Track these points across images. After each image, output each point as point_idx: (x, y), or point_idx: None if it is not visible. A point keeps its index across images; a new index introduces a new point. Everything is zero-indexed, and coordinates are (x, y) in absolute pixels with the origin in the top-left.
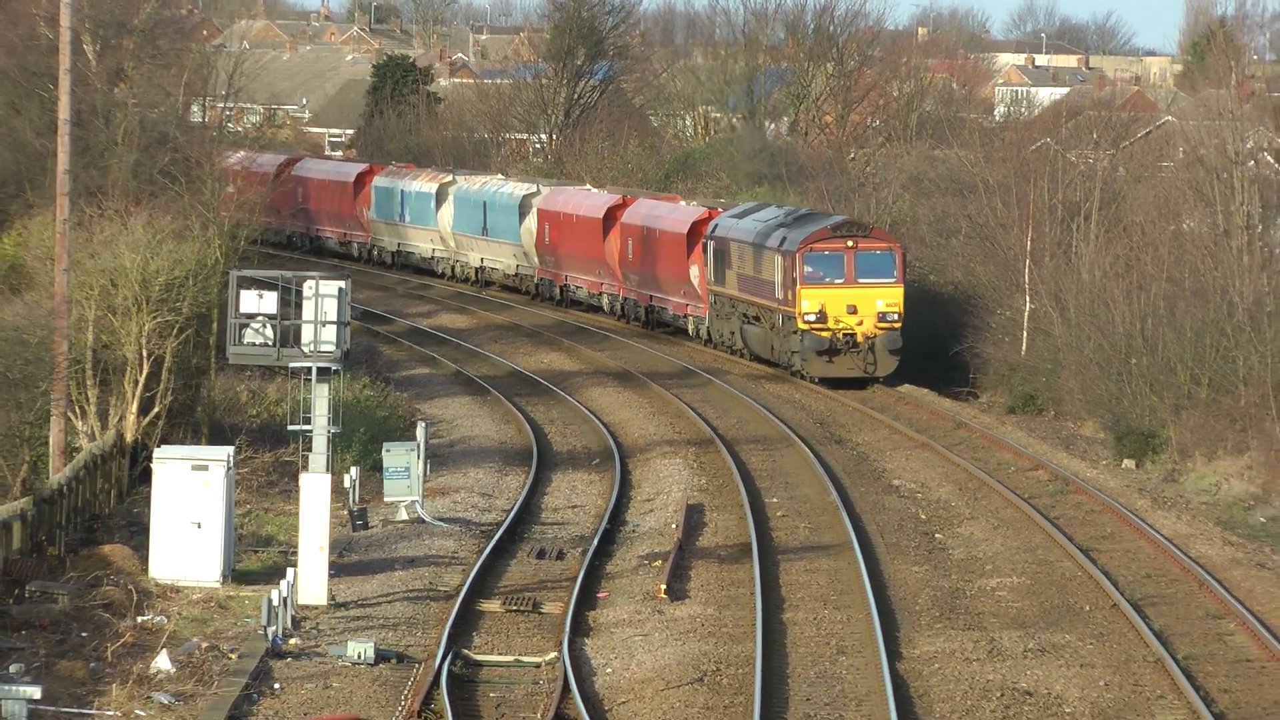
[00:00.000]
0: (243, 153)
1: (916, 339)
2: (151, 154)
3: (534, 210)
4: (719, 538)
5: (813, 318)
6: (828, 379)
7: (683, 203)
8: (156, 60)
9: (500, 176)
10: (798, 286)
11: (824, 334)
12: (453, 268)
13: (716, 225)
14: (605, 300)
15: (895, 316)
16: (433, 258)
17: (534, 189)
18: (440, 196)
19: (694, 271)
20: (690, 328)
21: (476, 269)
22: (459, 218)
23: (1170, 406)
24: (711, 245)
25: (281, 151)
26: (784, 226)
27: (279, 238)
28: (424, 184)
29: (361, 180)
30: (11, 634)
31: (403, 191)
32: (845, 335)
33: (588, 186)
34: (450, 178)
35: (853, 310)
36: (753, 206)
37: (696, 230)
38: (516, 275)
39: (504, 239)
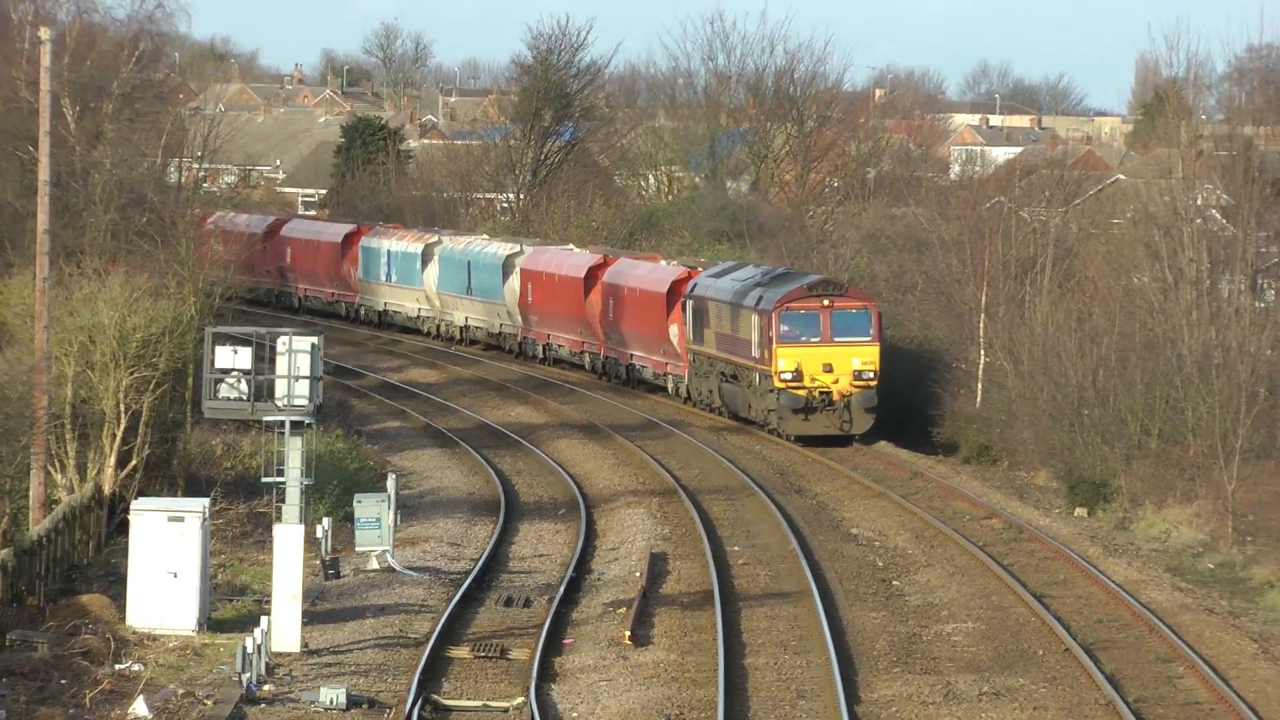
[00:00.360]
0: (233, 213)
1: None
2: (129, 214)
3: (517, 270)
4: (682, 585)
5: (789, 376)
6: (804, 437)
7: (663, 262)
8: (134, 123)
9: (485, 237)
10: (774, 345)
11: (800, 392)
12: (438, 327)
13: (695, 284)
14: (587, 359)
15: (871, 375)
16: (418, 317)
17: (517, 249)
18: (426, 256)
19: (673, 330)
20: (670, 386)
21: (461, 328)
22: (444, 277)
23: (1121, 456)
24: (690, 304)
25: (270, 212)
26: (760, 285)
27: (268, 297)
28: (410, 244)
29: (350, 240)
30: None
31: (389, 251)
32: (821, 393)
33: (570, 247)
34: (436, 238)
35: (829, 369)
36: (731, 266)
37: (676, 289)
38: (500, 334)
39: (488, 298)
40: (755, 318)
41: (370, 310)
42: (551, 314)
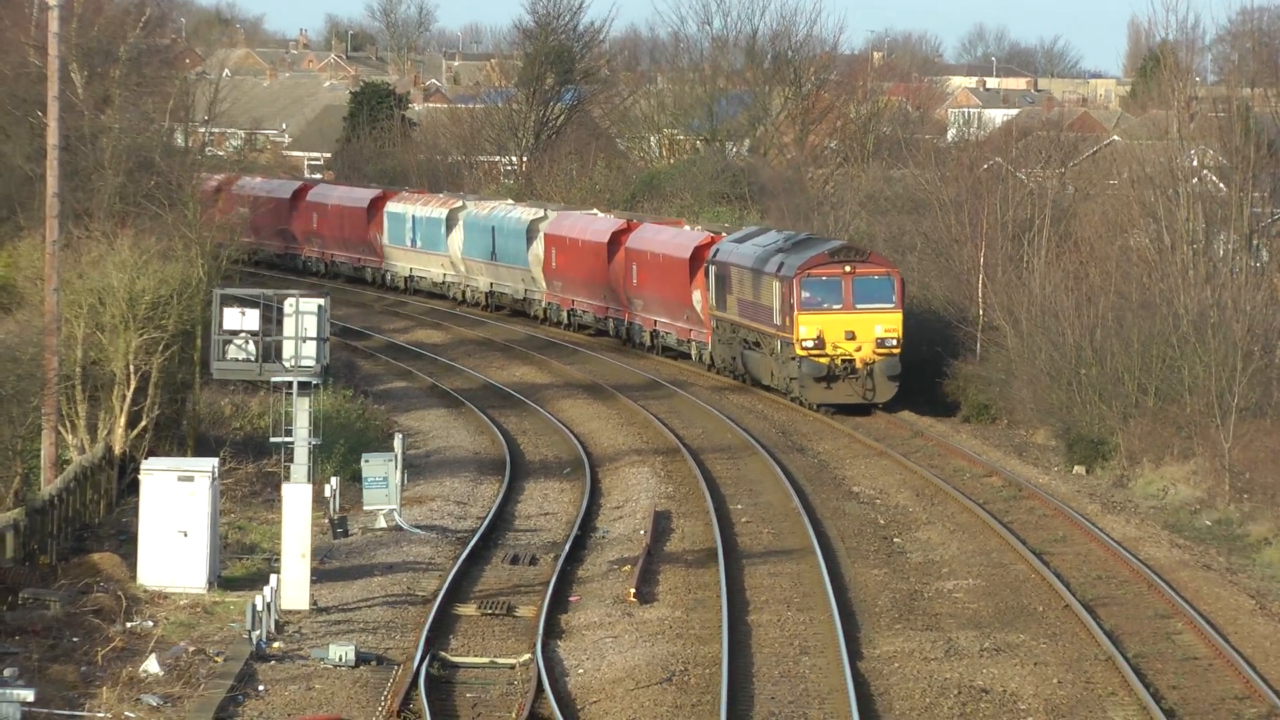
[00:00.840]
0: (258, 179)
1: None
2: (136, 178)
3: (541, 235)
4: (686, 543)
5: (810, 344)
6: (827, 405)
7: (686, 227)
8: (141, 87)
9: (509, 202)
10: (795, 312)
11: (822, 360)
12: (463, 293)
13: (718, 250)
14: (611, 325)
15: (894, 342)
16: (444, 283)
17: (541, 214)
18: (450, 222)
19: (696, 297)
20: (694, 353)
21: (486, 294)
22: (469, 243)
23: (1119, 415)
24: (713, 270)
25: (294, 177)
26: (782, 251)
27: (294, 263)
28: (435, 209)
29: (375, 206)
30: (5, 639)
31: (414, 217)
32: (844, 361)
33: (595, 211)
34: (460, 203)
35: (851, 336)
36: (754, 231)
37: (699, 255)
38: (525, 300)
39: (513, 264)
40: (777, 284)
41: (396, 276)
42: (575, 280)
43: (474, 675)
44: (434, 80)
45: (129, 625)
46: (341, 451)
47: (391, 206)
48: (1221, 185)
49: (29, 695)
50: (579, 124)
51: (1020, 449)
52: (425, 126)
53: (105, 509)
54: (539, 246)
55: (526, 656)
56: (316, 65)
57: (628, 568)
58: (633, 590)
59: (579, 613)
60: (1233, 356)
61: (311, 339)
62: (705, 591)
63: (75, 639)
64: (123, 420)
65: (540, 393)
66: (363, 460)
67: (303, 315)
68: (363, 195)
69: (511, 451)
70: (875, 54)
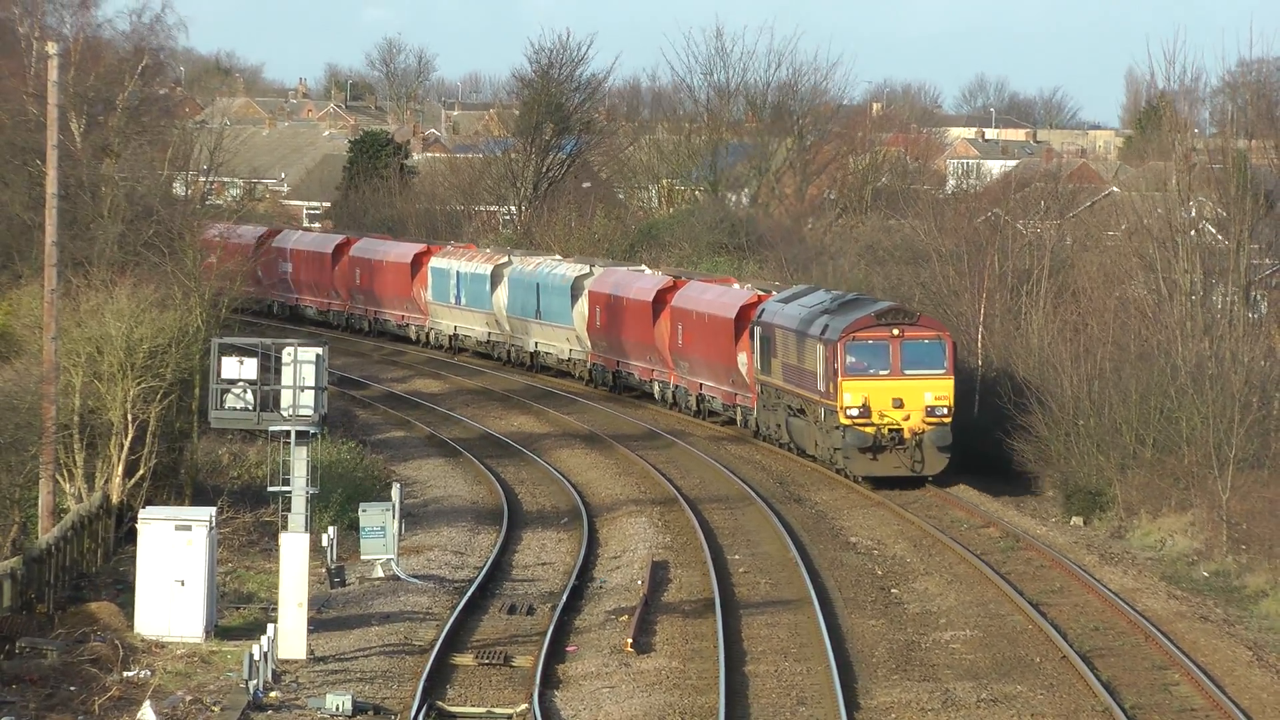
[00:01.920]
0: (300, 231)
1: None
2: (136, 226)
3: (586, 292)
4: (683, 593)
5: (855, 412)
6: (872, 478)
7: (736, 286)
8: (141, 136)
9: (557, 257)
10: (839, 378)
11: (868, 430)
12: (509, 352)
13: (764, 310)
14: (656, 388)
15: (945, 410)
16: (489, 341)
17: (586, 270)
18: (495, 278)
19: (742, 359)
20: (739, 418)
21: (531, 354)
22: (513, 300)
23: (1116, 466)
24: (758, 332)
25: (338, 231)
26: (828, 313)
27: (336, 319)
28: (479, 265)
29: (419, 261)
30: (3, 688)
31: (458, 273)
32: (891, 431)
33: (642, 268)
34: (505, 258)
35: (899, 404)
36: (802, 290)
37: (745, 315)
38: (570, 360)
39: (557, 322)
40: (820, 348)
41: (440, 334)
42: (620, 340)
43: None
44: (433, 130)
45: (126, 674)
46: (339, 501)
47: (436, 262)
48: (1219, 237)
49: None
50: (578, 174)
51: (1018, 500)
52: (424, 176)
53: (102, 558)
54: (584, 304)
55: (524, 707)
56: (316, 114)
57: (625, 618)
58: (630, 640)
59: (576, 663)
60: (1230, 408)
61: (309, 388)
62: (702, 642)
63: (72, 688)
64: (120, 469)
65: (538, 442)
66: (360, 509)
67: (301, 364)
68: (406, 250)
69: (509, 501)
70: (874, 105)
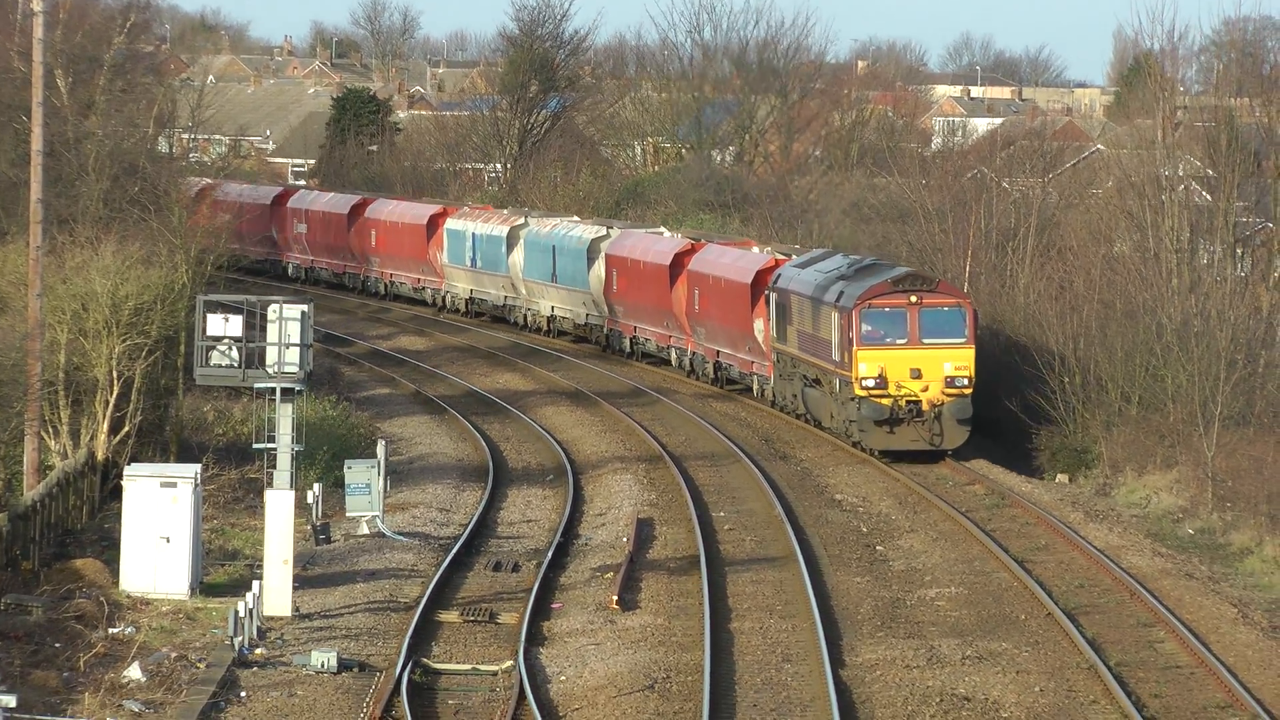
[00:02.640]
0: (315, 191)
1: None
2: (121, 183)
3: (602, 255)
4: (668, 550)
5: (871, 383)
6: (889, 451)
7: (755, 249)
8: (126, 94)
9: (574, 218)
10: (854, 348)
11: (884, 401)
12: (525, 316)
13: (779, 276)
14: (674, 355)
15: (965, 381)
16: (505, 305)
17: (603, 232)
18: (511, 240)
19: (758, 326)
20: (755, 388)
21: (548, 318)
22: (529, 263)
23: (1102, 423)
24: (774, 298)
25: (353, 191)
26: (844, 279)
27: (352, 282)
28: (495, 227)
29: (435, 223)
30: None
31: (474, 235)
32: (908, 403)
33: (661, 230)
34: (522, 220)
35: (917, 374)
36: (819, 255)
37: (761, 280)
38: (586, 325)
39: (573, 286)
40: (835, 315)
41: (456, 298)
42: (637, 305)
43: (456, 682)
44: (418, 87)
45: (111, 631)
46: (324, 458)
47: (451, 223)
48: (1206, 194)
49: (11, 701)
50: (564, 131)
51: (1006, 458)
52: (410, 133)
53: (88, 515)
54: (600, 267)
55: (509, 663)
56: (301, 72)
57: (610, 575)
58: (615, 597)
59: (561, 620)
60: (1216, 365)
61: (295, 345)
62: (688, 599)
63: (57, 645)
64: (105, 426)
65: (523, 400)
66: (346, 467)
67: (286, 321)
68: (421, 211)
69: (494, 458)
70: (860, 62)
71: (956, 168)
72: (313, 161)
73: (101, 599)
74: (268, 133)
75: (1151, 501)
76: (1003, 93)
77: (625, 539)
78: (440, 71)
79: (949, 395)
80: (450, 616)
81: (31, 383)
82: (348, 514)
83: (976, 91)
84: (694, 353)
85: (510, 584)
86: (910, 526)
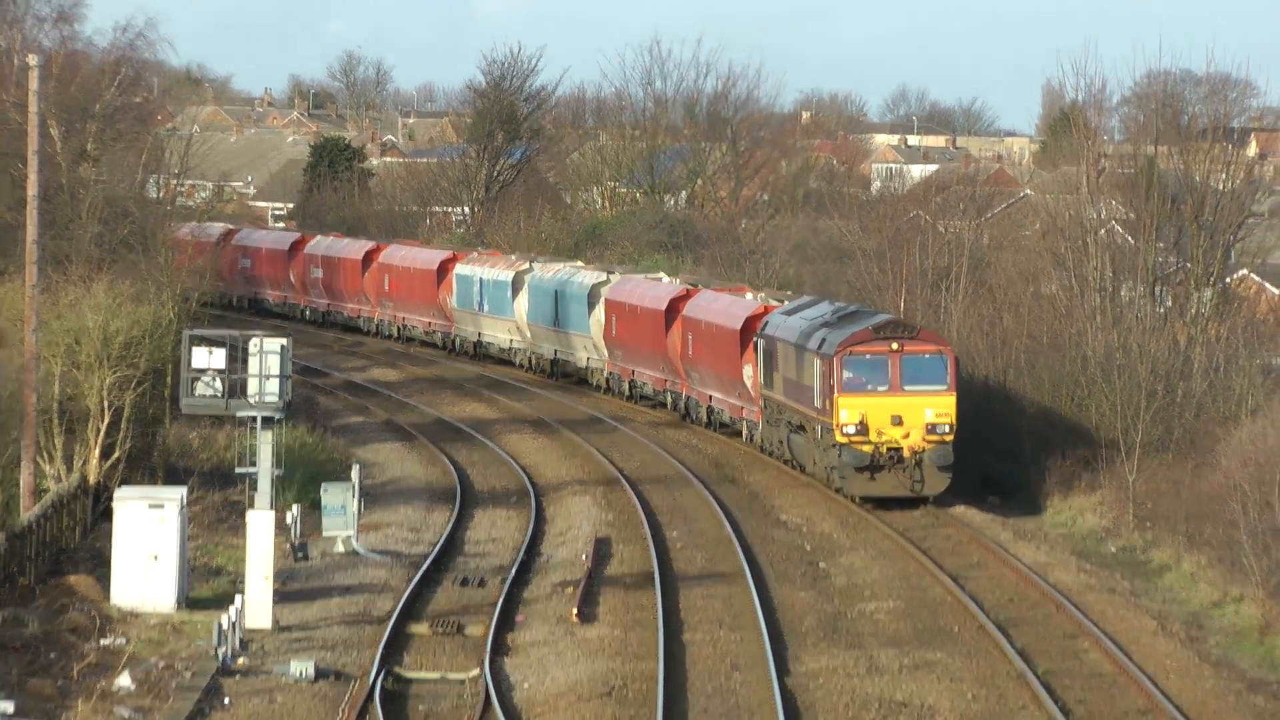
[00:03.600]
0: (331, 238)
1: None
2: (112, 226)
3: (602, 300)
4: (625, 567)
5: (852, 430)
6: (870, 498)
7: (749, 295)
8: (116, 142)
9: (578, 263)
10: (835, 394)
11: (865, 448)
12: (530, 359)
13: (767, 323)
14: (669, 399)
15: (946, 429)
16: (510, 349)
17: (603, 277)
18: (516, 285)
19: (747, 372)
20: (744, 433)
21: (551, 361)
22: (533, 308)
23: (1030, 450)
24: (761, 344)
25: (366, 236)
26: (826, 326)
27: (367, 325)
28: (501, 271)
29: (445, 268)
30: None
31: (481, 280)
32: (889, 450)
33: (661, 275)
34: (527, 265)
35: (898, 421)
36: (806, 302)
37: (750, 326)
38: (588, 369)
39: (575, 330)
40: (818, 362)
41: (465, 341)
42: (635, 349)
43: (426, 690)
44: (390, 136)
45: (103, 643)
46: (302, 481)
47: (460, 269)
48: (1128, 236)
49: (9, 707)
50: (527, 178)
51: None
52: (382, 179)
53: (80, 534)
54: (600, 312)
55: (475, 672)
56: (280, 122)
57: (570, 590)
58: (575, 611)
59: (525, 631)
60: (1137, 396)
61: (274, 376)
62: (643, 612)
63: (53, 655)
64: (97, 452)
65: (489, 428)
66: (322, 489)
67: (266, 354)
68: (433, 256)
69: (462, 482)
70: (804, 113)
71: (894, 211)
72: (291, 205)
73: (94, 613)
74: (249, 178)
75: (1077, 522)
76: (938, 141)
77: (584, 556)
78: (410, 121)
79: (930, 442)
80: (420, 629)
81: (28, 411)
82: (324, 533)
83: (913, 140)
84: (689, 397)
85: (476, 598)
86: (851, 545)
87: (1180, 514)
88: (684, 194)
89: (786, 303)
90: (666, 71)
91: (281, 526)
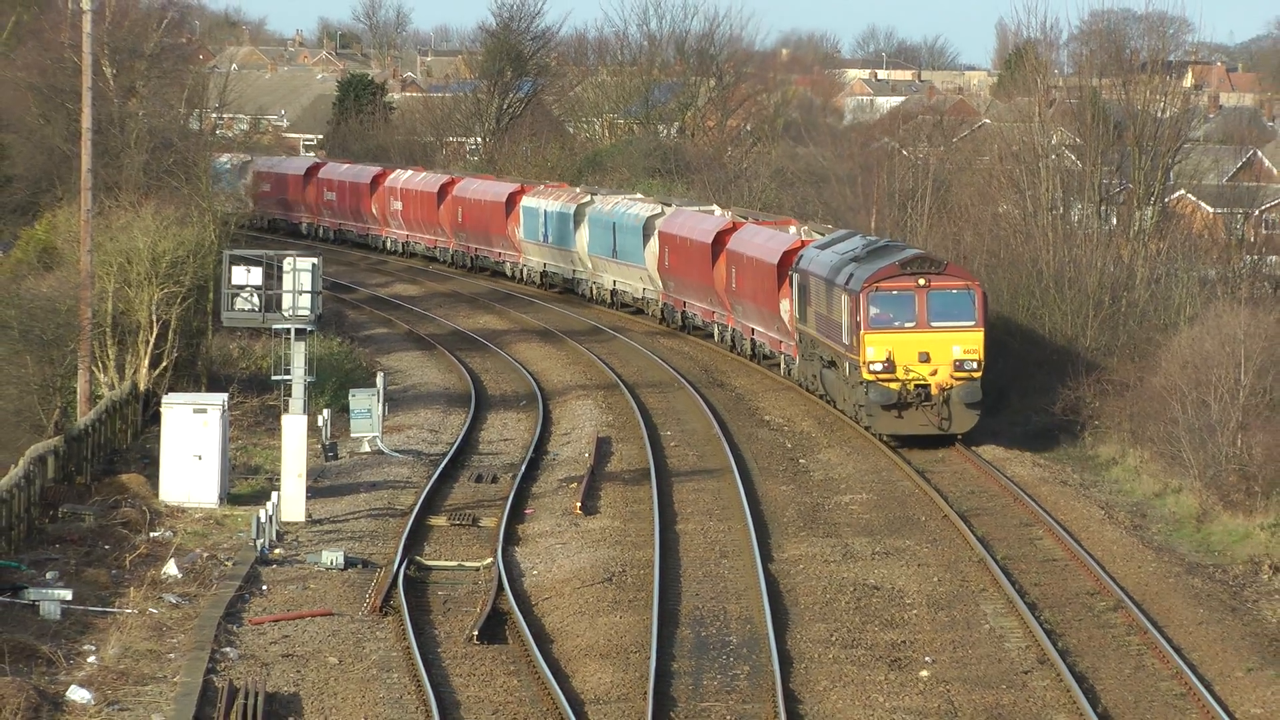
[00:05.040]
0: (409, 171)
1: None
2: (158, 156)
3: (656, 232)
4: (623, 464)
5: (879, 367)
6: (897, 436)
7: (792, 229)
8: (162, 79)
9: (637, 196)
10: (861, 331)
11: (892, 385)
12: (591, 289)
13: (801, 257)
14: (715, 330)
15: (974, 365)
16: (573, 279)
17: (658, 210)
18: (578, 217)
19: (784, 306)
20: (782, 366)
21: (610, 292)
22: (593, 239)
23: (989, 355)
24: (796, 279)
25: (441, 171)
26: (855, 261)
27: (443, 255)
28: (563, 204)
29: (512, 200)
30: (47, 547)
31: (545, 212)
32: (916, 386)
33: (714, 208)
34: (588, 197)
35: (925, 358)
36: (840, 236)
37: (787, 260)
38: (643, 299)
39: (631, 262)
40: (845, 298)
41: (532, 271)
42: (685, 281)
43: (444, 576)
44: (410, 73)
45: (152, 535)
46: (332, 387)
47: (527, 201)
48: (1076, 161)
49: (68, 594)
50: (534, 110)
51: None
52: (403, 112)
53: (131, 437)
54: (654, 244)
55: (489, 560)
56: (310, 60)
57: (574, 485)
58: (578, 504)
59: (533, 523)
60: (1086, 305)
61: (306, 292)
62: (640, 505)
63: (106, 547)
64: (146, 361)
65: (500, 337)
66: (350, 395)
67: (299, 272)
68: (501, 189)
69: (476, 387)
70: (784, 50)
71: (865, 139)
72: (321, 136)
73: (144, 508)
74: (282, 112)
75: (1031, 420)
76: (905, 75)
77: (587, 455)
78: (428, 59)
79: (958, 379)
80: (439, 521)
81: (84, 325)
82: (352, 435)
83: (883, 74)
84: (733, 329)
85: (490, 493)
86: (828, 443)
87: (1125, 412)
88: (675, 125)
89: (823, 235)
90: (660, 13)
91: (313, 429)
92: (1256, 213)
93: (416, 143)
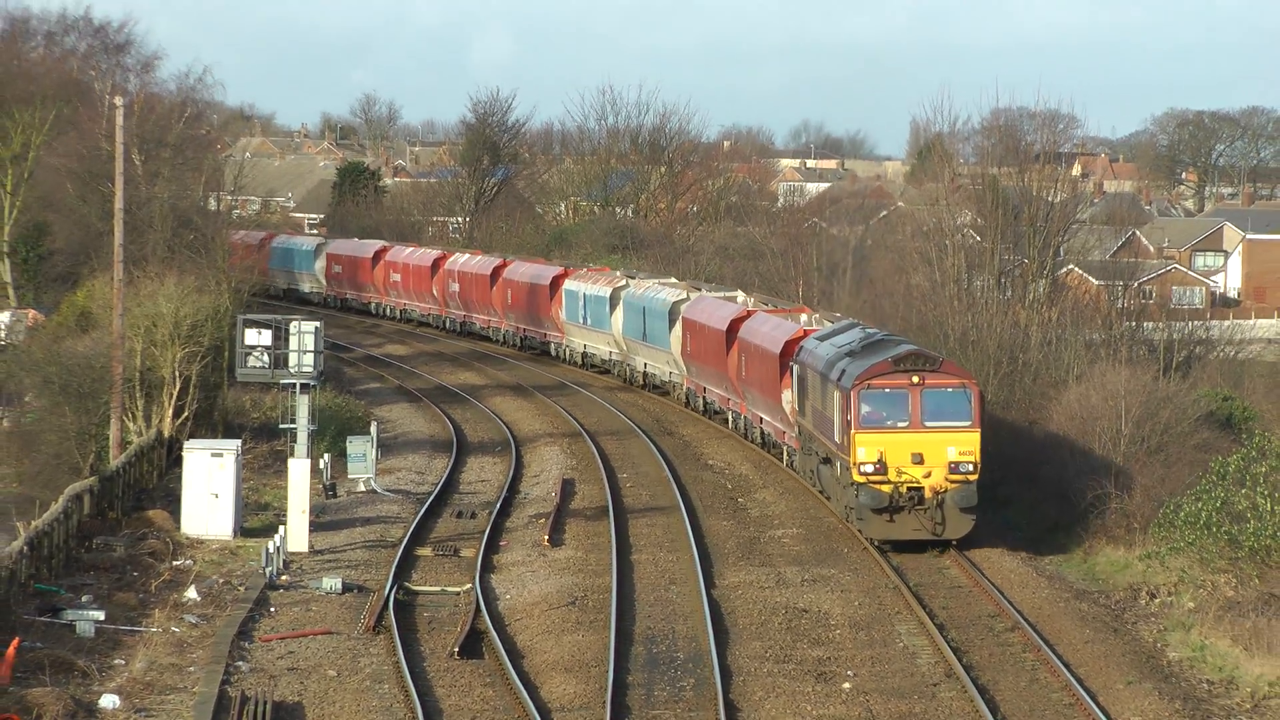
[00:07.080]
0: (466, 255)
1: None
2: (179, 233)
3: (680, 318)
4: (586, 502)
5: (870, 468)
6: (889, 541)
7: (804, 317)
8: (183, 165)
9: (670, 280)
10: (853, 430)
11: (884, 488)
12: (626, 372)
13: (802, 348)
14: (729, 417)
15: (970, 467)
16: (609, 360)
17: (683, 295)
18: (613, 300)
19: (786, 396)
20: (784, 457)
21: (643, 374)
22: (627, 323)
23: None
24: (795, 370)
25: (495, 255)
26: (850, 355)
27: (494, 335)
28: (600, 288)
29: (556, 283)
30: (83, 574)
31: (585, 295)
32: (909, 489)
33: (737, 294)
34: (624, 281)
35: (919, 459)
36: (842, 326)
37: (789, 350)
38: (670, 382)
39: (658, 345)
40: (837, 394)
41: (573, 352)
42: (704, 368)
43: (430, 599)
44: (400, 160)
45: (175, 564)
46: (332, 434)
47: (569, 284)
48: (979, 238)
49: (100, 615)
50: (508, 194)
51: None
52: (394, 194)
53: (157, 478)
54: (679, 329)
55: (468, 585)
56: (314, 150)
57: (543, 520)
58: (547, 537)
59: (507, 554)
60: (987, 365)
61: (310, 351)
62: (600, 538)
63: (135, 574)
64: (170, 411)
65: (479, 391)
66: (348, 441)
67: (303, 334)
68: (546, 272)
69: (457, 434)
70: (725, 142)
71: (796, 219)
72: (322, 215)
73: (167, 540)
74: (289, 194)
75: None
76: (830, 164)
77: (554, 494)
78: (416, 149)
79: (953, 482)
80: (425, 551)
81: (115, 380)
82: (349, 476)
83: (811, 163)
84: (745, 417)
85: (469, 527)
86: (763, 484)
87: (1021, 458)
88: (631, 206)
89: (831, 324)
90: (617, 109)
91: (316, 471)
92: (1135, 284)
93: (406, 221)
